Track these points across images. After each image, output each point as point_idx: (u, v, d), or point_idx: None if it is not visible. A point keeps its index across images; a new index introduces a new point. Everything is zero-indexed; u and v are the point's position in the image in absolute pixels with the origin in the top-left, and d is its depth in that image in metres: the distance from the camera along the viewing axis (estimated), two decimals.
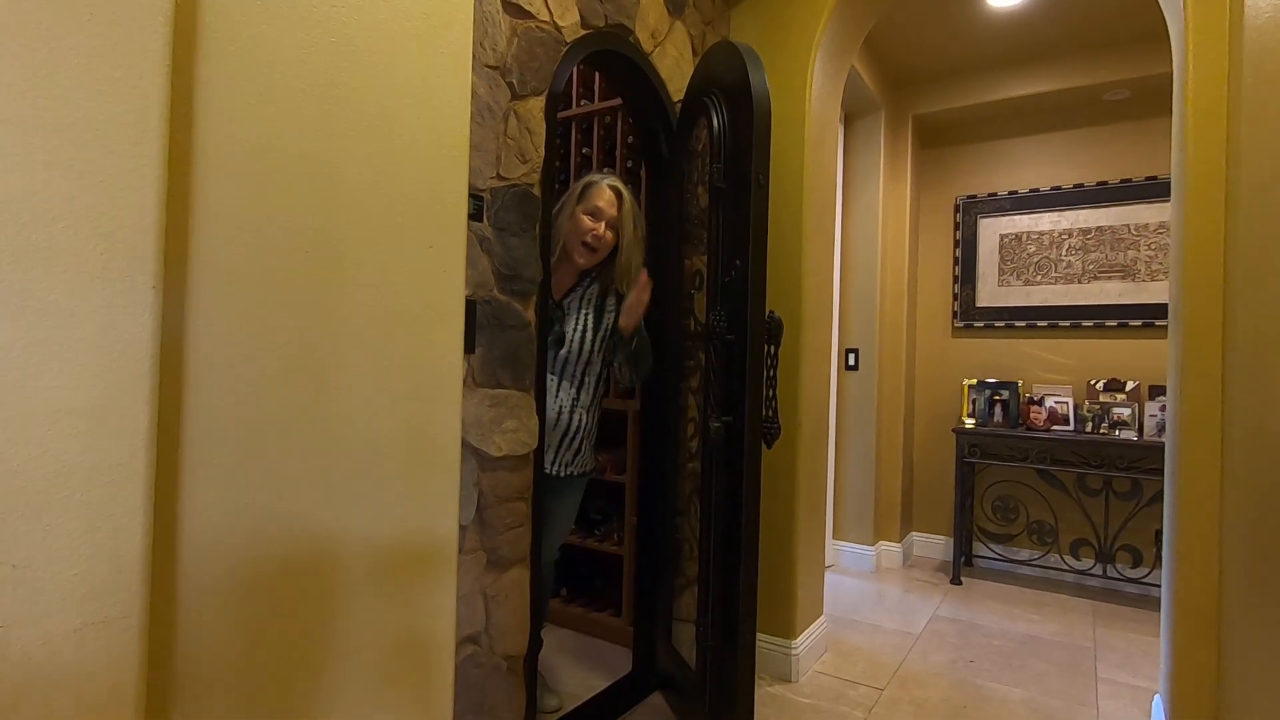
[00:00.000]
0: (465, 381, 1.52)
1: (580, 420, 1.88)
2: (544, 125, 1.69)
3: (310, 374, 0.83)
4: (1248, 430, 1.57)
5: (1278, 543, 1.31)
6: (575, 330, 1.84)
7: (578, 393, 1.86)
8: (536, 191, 1.68)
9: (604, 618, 2.67)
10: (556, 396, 1.83)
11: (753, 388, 1.65)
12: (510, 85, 1.60)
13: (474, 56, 1.48)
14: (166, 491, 0.70)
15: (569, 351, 1.83)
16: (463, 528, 1.54)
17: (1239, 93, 1.68)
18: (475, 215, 1.51)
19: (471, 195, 1.50)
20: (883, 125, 3.63)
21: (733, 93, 1.75)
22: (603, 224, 1.79)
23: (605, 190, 1.80)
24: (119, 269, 0.64)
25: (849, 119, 3.66)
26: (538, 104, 1.68)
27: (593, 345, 1.86)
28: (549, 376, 1.80)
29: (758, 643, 2.34)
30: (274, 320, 0.79)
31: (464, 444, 1.51)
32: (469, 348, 1.51)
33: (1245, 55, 1.62)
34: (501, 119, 1.58)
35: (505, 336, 1.61)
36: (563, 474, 1.88)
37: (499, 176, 1.58)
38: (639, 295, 1.80)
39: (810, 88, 2.43)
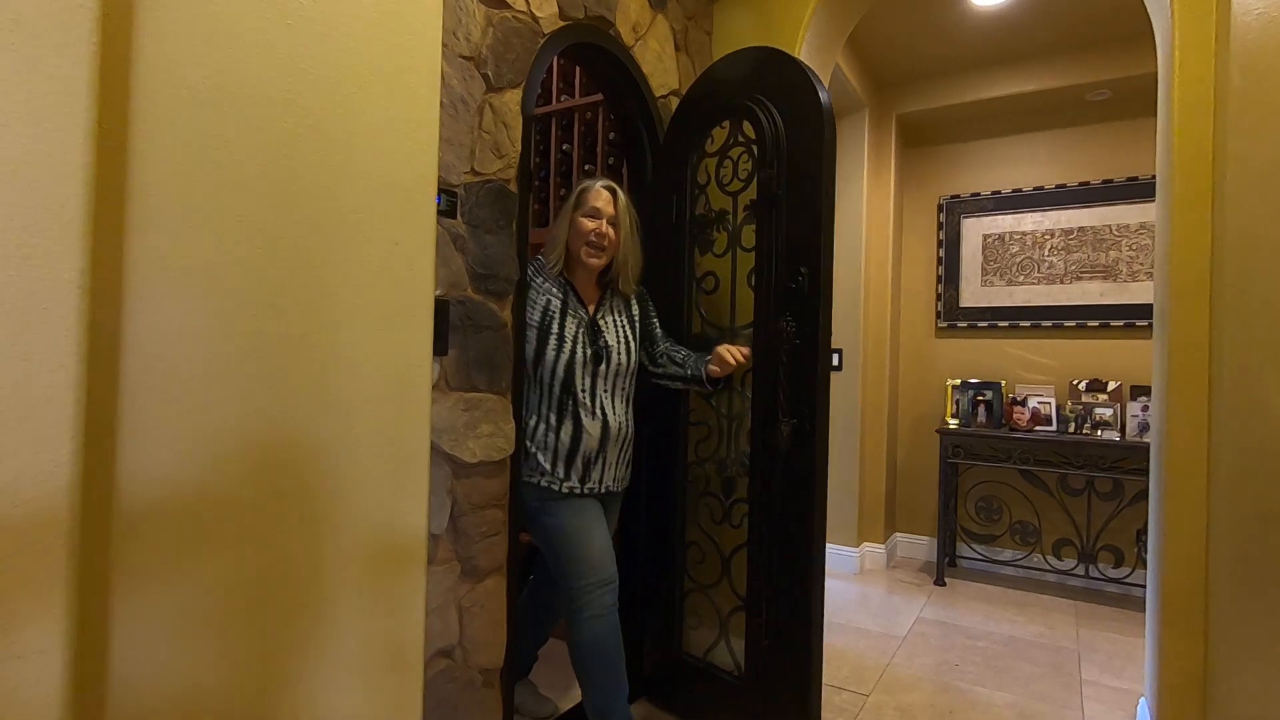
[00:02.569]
0: (437, 385, 1.46)
1: (630, 430, 1.85)
2: (520, 119, 1.63)
3: (264, 375, 0.76)
4: (1236, 434, 1.55)
5: (1267, 547, 1.29)
6: (619, 342, 1.80)
7: (626, 404, 1.83)
8: (513, 187, 1.62)
9: None
10: (614, 411, 1.78)
11: (823, 390, 1.73)
12: (485, 77, 1.54)
13: (446, 46, 1.42)
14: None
15: (619, 364, 1.79)
16: (435, 537, 1.48)
17: (1226, 91, 1.66)
18: (448, 211, 1.45)
19: (444, 190, 1.44)
20: (866, 125, 3.61)
21: (790, 104, 1.83)
22: (604, 221, 1.77)
23: (600, 191, 1.78)
24: (37, 265, 0.58)
25: None
26: (514, 97, 1.62)
27: (635, 355, 1.85)
28: (600, 393, 1.76)
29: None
30: (222, 323, 0.73)
31: (436, 450, 1.45)
32: (440, 350, 1.45)
33: (1232, 54, 1.60)
34: (476, 112, 1.52)
35: (480, 338, 1.55)
36: (617, 489, 1.85)
37: (473, 171, 1.52)
38: (745, 356, 1.83)
39: None
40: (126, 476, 0.67)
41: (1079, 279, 3.54)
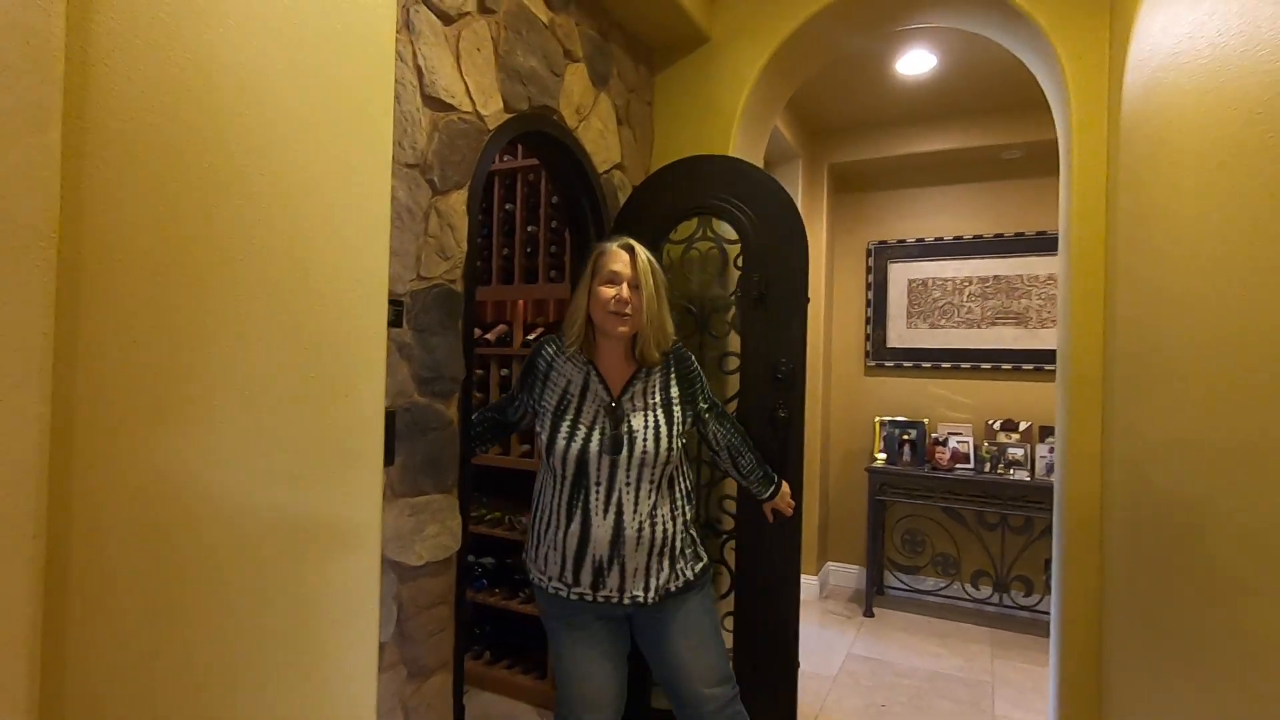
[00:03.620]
0: (384, 494, 1.46)
1: (664, 532, 1.53)
2: (466, 219, 1.65)
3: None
4: (1125, 471, 1.72)
5: (1152, 580, 1.43)
6: (646, 428, 1.53)
7: (656, 499, 1.53)
8: (458, 287, 1.64)
9: (528, 680, 2.64)
10: (635, 509, 1.50)
11: (797, 452, 2.06)
12: (431, 182, 1.55)
13: (394, 159, 1.43)
14: None
15: (644, 453, 1.50)
16: (382, 645, 1.48)
17: (1116, 162, 1.84)
18: (394, 322, 1.46)
19: (391, 302, 1.44)
20: (800, 172, 3.75)
21: (764, 210, 2.14)
22: (624, 285, 1.53)
23: (618, 253, 1.56)
24: None
25: (768, 165, 3.75)
26: (460, 197, 1.63)
27: (668, 442, 1.53)
28: (620, 486, 1.50)
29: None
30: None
31: (382, 560, 1.45)
32: (387, 460, 1.45)
33: (1121, 124, 1.77)
34: (422, 219, 1.53)
35: (426, 440, 1.56)
36: (649, 600, 1.51)
37: (419, 277, 1.53)
38: (791, 507, 1.96)
39: (733, 149, 2.47)
40: None
41: (994, 324, 3.79)
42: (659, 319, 1.57)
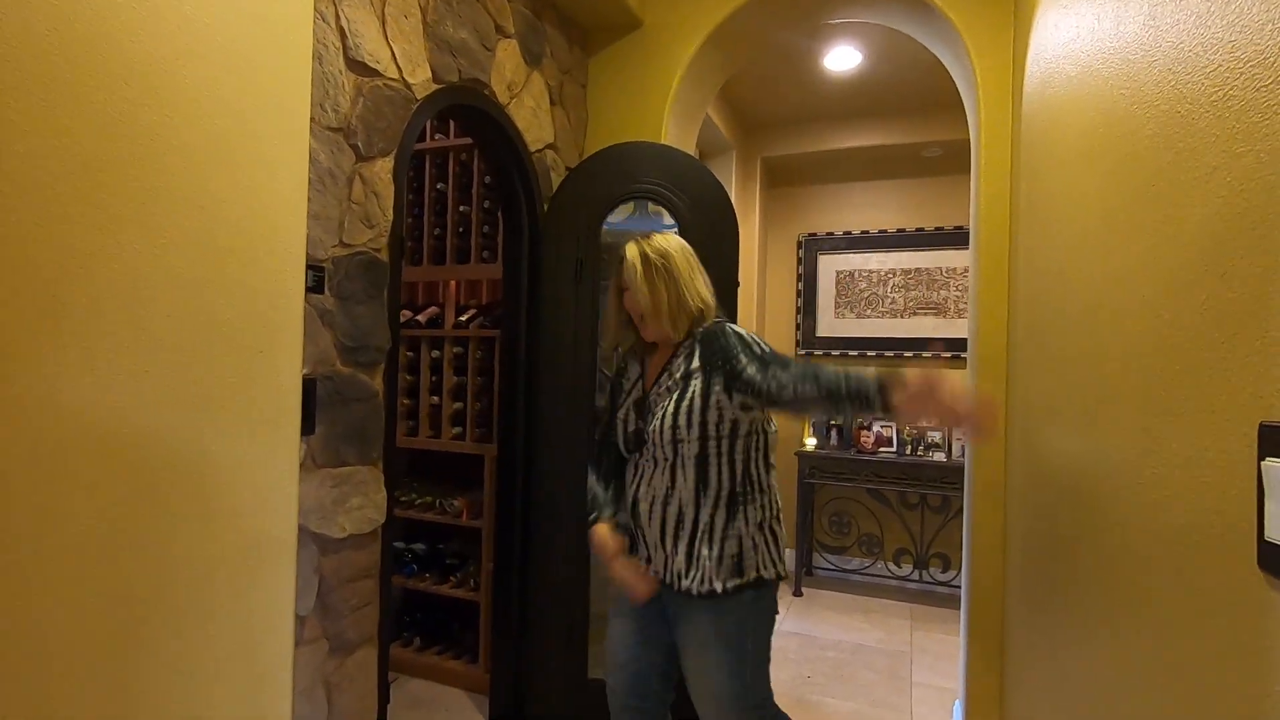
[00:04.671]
0: (304, 464, 1.43)
1: (684, 514, 1.43)
2: (392, 187, 1.63)
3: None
4: (1020, 439, 1.84)
5: (1044, 556, 1.53)
6: (664, 413, 1.45)
7: (680, 477, 1.43)
8: (384, 257, 1.61)
9: (459, 666, 2.61)
10: (654, 489, 1.45)
11: None
12: (355, 147, 1.52)
13: (314, 120, 1.40)
14: None
15: (659, 434, 1.44)
16: (301, 618, 1.45)
17: (1019, 150, 1.97)
18: (315, 288, 1.43)
19: (310, 267, 1.41)
20: (734, 165, 3.83)
21: (698, 198, 2.22)
22: (630, 291, 1.52)
23: (625, 259, 1.53)
24: None
25: (702, 158, 3.82)
26: (386, 165, 1.61)
27: (684, 420, 1.42)
28: (644, 467, 1.48)
29: None
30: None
31: (302, 530, 1.42)
32: (307, 429, 1.42)
33: (1024, 117, 1.90)
34: (345, 184, 1.50)
35: (349, 411, 1.53)
36: (682, 587, 1.40)
37: (342, 244, 1.50)
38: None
39: (665, 135, 2.52)
40: None
41: (916, 314, 3.96)
42: (663, 306, 1.48)
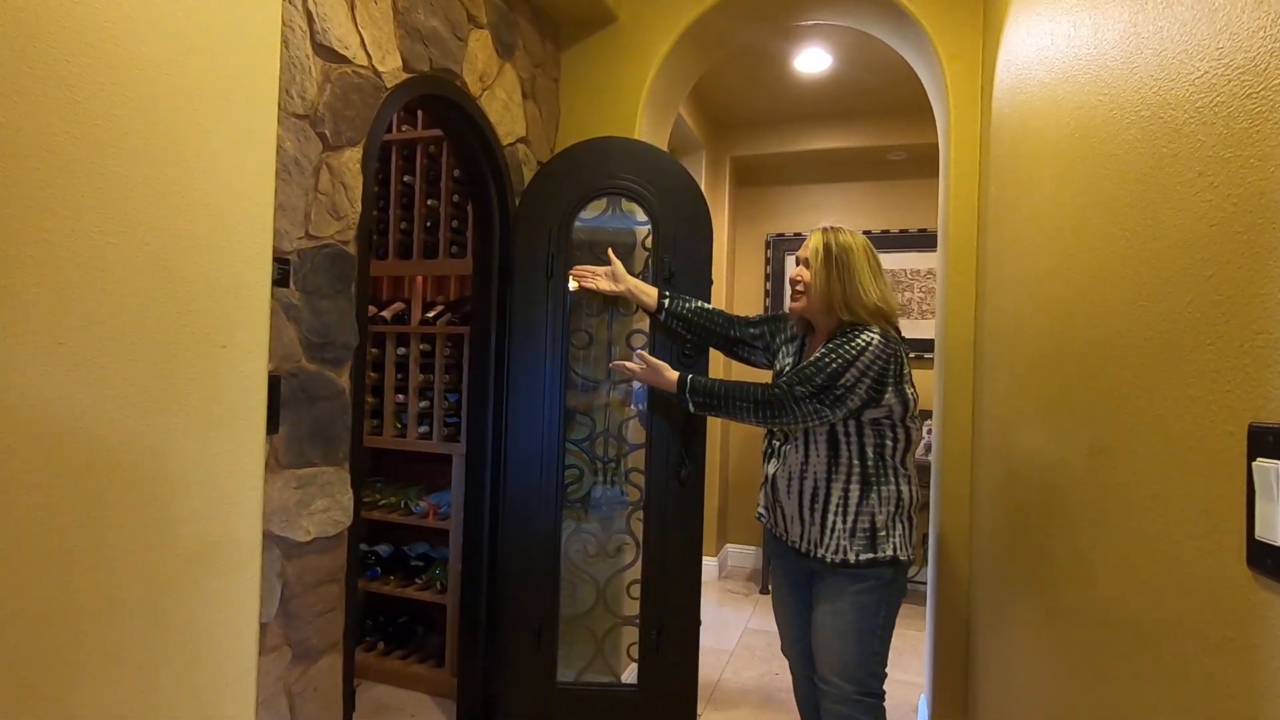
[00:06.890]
0: (267, 464, 1.37)
1: (819, 487, 1.58)
2: (361, 178, 1.57)
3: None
4: (987, 436, 1.88)
5: (1014, 555, 1.56)
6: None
7: (809, 449, 1.59)
8: (352, 249, 1.56)
9: (425, 669, 2.55)
10: (784, 458, 1.66)
11: (700, 430, 2.15)
12: (322, 136, 1.47)
13: (280, 106, 1.34)
14: None
15: None
16: (263, 625, 1.39)
17: (987, 156, 2.01)
18: (280, 281, 1.37)
19: (276, 260, 1.35)
20: (704, 164, 3.83)
21: (672, 195, 2.19)
22: (802, 265, 1.68)
23: (810, 239, 1.67)
24: None
25: (673, 155, 3.81)
26: (354, 155, 1.55)
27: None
28: (775, 439, 1.72)
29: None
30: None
31: (265, 534, 1.36)
32: (271, 428, 1.36)
33: (993, 123, 1.93)
34: (312, 173, 1.44)
35: (315, 409, 1.47)
36: (807, 550, 1.60)
37: (308, 236, 1.45)
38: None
39: (638, 132, 2.49)
40: None
41: None
42: (828, 294, 1.59)
